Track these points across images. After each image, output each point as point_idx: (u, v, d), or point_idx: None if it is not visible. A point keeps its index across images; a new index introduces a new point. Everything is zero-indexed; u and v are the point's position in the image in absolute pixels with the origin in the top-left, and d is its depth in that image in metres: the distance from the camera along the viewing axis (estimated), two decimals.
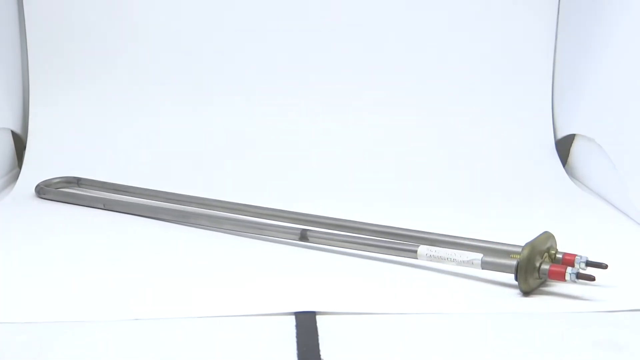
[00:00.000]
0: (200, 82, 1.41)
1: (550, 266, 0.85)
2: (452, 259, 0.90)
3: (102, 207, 1.16)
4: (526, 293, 0.85)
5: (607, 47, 1.24)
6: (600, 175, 1.26)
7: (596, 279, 0.84)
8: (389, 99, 1.41)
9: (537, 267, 0.85)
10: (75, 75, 1.40)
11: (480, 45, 1.41)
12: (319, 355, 0.73)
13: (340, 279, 0.91)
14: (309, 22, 1.40)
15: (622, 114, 1.19)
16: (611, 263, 0.87)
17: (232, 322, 0.79)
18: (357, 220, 1.02)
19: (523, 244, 0.86)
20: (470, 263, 0.89)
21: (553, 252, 0.89)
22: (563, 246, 0.91)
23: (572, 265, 0.87)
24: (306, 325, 0.78)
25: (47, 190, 1.21)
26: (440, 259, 0.90)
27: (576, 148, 1.37)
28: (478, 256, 0.88)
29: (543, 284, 0.88)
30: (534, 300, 0.85)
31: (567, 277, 0.84)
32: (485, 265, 0.88)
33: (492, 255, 0.89)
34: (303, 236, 1.00)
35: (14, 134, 1.36)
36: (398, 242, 0.96)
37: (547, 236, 0.89)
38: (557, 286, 0.87)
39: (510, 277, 0.86)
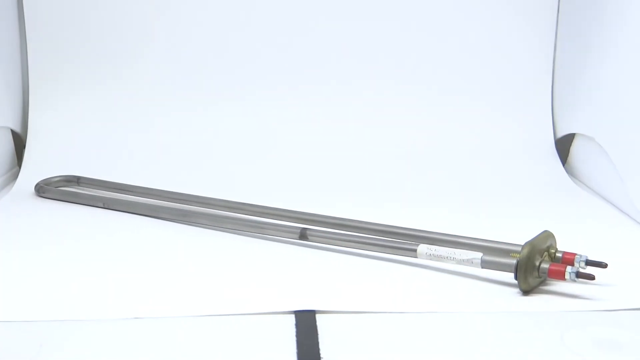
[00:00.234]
0: (200, 81, 1.40)
1: (550, 265, 0.85)
2: (451, 258, 0.90)
3: (102, 205, 1.16)
4: (526, 292, 0.85)
5: (607, 47, 1.24)
6: (599, 174, 1.26)
7: (596, 278, 0.84)
8: (389, 99, 1.41)
9: (536, 266, 0.85)
10: (75, 74, 1.40)
11: (481, 45, 1.41)
12: (319, 354, 0.73)
13: (340, 277, 0.91)
14: (312, 23, 1.40)
15: (621, 113, 1.19)
16: (611, 262, 0.87)
17: (231, 321, 0.79)
18: (356, 219, 1.02)
19: (523, 243, 0.86)
20: (470, 262, 0.89)
21: (553, 251, 0.89)
22: (563, 245, 0.91)
23: (572, 264, 0.87)
24: (306, 324, 0.78)
25: (46, 189, 1.21)
26: (440, 258, 0.90)
27: (576, 147, 1.37)
28: (478, 255, 0.88)
29: (543, 283, 0.88)
30: (534, 299, 0.85)
31: (567, 276, 0.84)
32: (485, 264, 0.88)
33: (491, 254, 0.89)
34: (303, 235, 1.00)
35: (13, 132, 1.36)
36: (398, 241, 0.96)
37: (547, 235, 0.89)
38: (557, 285, 0.87)
39: (509, 276, 0.86)
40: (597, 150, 1.25)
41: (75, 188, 1.24)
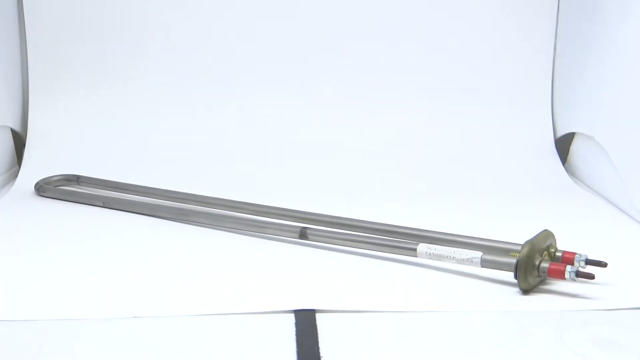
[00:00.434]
0: (200, 81, 1.41)
1: (550, 264, 0.85)
2: (451, 257, 0.90)
3: (102, 205, 1.16)
4: (525, 291, 0.85)
5: (606, 46, 1.24)
6: (599, 173, 1.26)
7: (596, 277, 0.84)
8: (389, 99, 1.41)
9: (536, 265, 0.85)
10: (75, 73, 1.40)
11: (481, 45, 1.41)
12: (319, 353, 0.72)
13: (340, 277, 0.91)
14: (314, 23, 1.40)
15: (621, 112, 1.19)
16: (611, 261, 0.87)
17: (231, 320, 0.79)
18: (356, 219, 1.02)
19: (522, 242, 0.86)
20: (469, 261, 0.89)
21: (552, 250, 0.89)
22: (563, 244, 0.91)
23: (572, 264, 0.87)
24: (306, 323, 0.78)
25: (46, 188, 1.21)
26: (439, 257, 0.90)
27: (576, 146, 1.37)
28: (477, 254, 0.88)
29: (542, 282, 0.88)
30: (534, 299, 0.85)
31: (567, 275, 0.84)
32: (484, 264, 0.88)
33: (491, 253, 0.89)
34: (303, 234, 1.00)
35: (13, 131, 1.36)
36: (397, 240, 0.96)
37: (547, 234, 0.89)
38: (557, 284, 0.87)
39: (509, 275, 0.86)
40: (597, 150, 1.25)
41: (75, 187, 1.24)
